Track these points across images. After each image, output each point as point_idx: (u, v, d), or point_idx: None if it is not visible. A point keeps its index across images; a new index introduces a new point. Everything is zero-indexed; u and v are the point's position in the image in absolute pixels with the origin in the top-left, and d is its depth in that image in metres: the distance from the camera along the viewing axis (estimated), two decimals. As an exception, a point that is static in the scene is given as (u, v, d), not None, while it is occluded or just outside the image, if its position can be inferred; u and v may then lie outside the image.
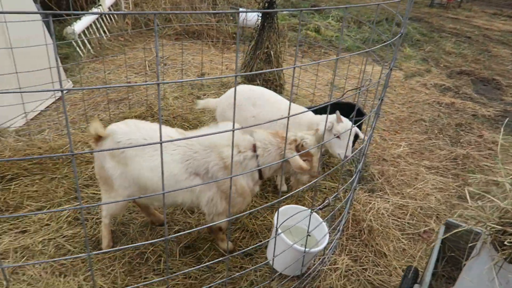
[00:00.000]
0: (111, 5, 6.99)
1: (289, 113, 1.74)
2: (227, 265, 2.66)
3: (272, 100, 3.38)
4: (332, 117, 3.15)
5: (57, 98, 4.71)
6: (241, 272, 2.45)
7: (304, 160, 2.42)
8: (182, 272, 1.91)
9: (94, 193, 3.24)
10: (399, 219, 3.34)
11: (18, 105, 3.88)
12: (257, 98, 3.39)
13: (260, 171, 2.44)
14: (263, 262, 2.59)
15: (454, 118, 5.44)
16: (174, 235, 2.43)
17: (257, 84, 5.25)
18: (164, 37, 7.49)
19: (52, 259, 1.69)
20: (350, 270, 2.75)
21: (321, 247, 2.48)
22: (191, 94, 5.27)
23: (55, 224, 2.87)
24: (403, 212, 3.44)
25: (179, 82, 1.33)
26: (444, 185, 3.90)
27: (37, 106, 4.34)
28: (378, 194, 3.65)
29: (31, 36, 4.09)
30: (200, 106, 3.67)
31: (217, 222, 2.04)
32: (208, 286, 2.44)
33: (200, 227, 1.86)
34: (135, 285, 2.38)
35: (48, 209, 2.99)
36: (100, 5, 6.57)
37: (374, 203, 3.43)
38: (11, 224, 2.84)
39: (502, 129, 5.13)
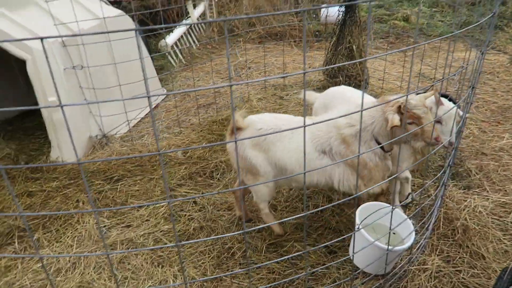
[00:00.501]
0: (199, 16, 7.46)
1: (362, 107, 1.72)
2: (305, 259, 2.69)
3: (355, 101, 3.24)
4: (431, 100, 2.74)
5: (154, 106, 5.21)
6: (322, 267, 2.47)
7: (410, 124, 2.32)
8: (263, 264, 2.01)
9: (186, 192, 3.52)
10: (500, 218, 3.03)
11: (122, 114, 4.37)
12: (342, 99, 3.27)
13: (377, 142, 2.44)
14: (344, 258, 2.57)
15: None
16: (253, 229, 2.54)
17: (340, 80, 5.18)
18: (248, 41, 7.76)
19: (150, 248, 1.91)
20: (441, 271, 2.58)
21: (406, 245, 2.37)
22: (274, 95, 5.39)
23: (153, 220, 3.20)
24: (506, 211, 3.11)
25: (246, 82, 1.41)
26: (559, 181, 3.42)
27: (137, 114, 4.84)
28: (475, 191, 3.35)
29: (132, 52, 4.58)
30: (301, 96, 3.73)
31: (373, 187, 2.41)
32: (290, 279, 2.50)
33: (285, 219, 1.93)
34: (222, 275, 2.55)
35: (147, 206, 3.34)
36: (189, 16, 7.06)
37: (470, 201, 3.16)
38: (118, 219, 3.23)
39: None
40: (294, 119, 2.68)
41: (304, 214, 1.66)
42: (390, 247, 2.27)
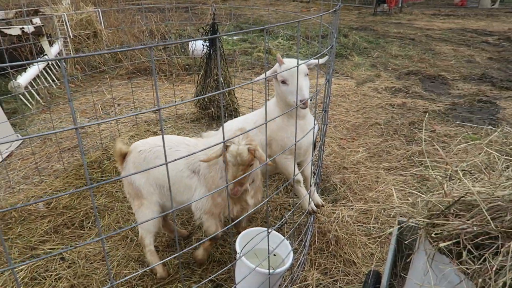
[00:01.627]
0: (58, 54, 6.90)
1: (223, 138, 1.75)
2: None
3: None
4: (276, 66, 2.81)
5: (6, 155, 4.55)
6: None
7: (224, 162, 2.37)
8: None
9: (51, 248, 3.10)
10: (364, 224, 3.38)
11: (-37, 168, 3.71)
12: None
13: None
14: (230, 291, 2.54)
15: (407, 117, 5.63)
16: (129, 276, 2.34)
17: (212, 111, 5.28)
18: (116, 77, 7.44)
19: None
20: (321, 284, 2.73)
21: (287, 265, 2.45)
22: (147, 130, 5.21)
23: (10, 288, 2.72)
24: (367, 217, 3.48)
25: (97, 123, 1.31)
26: (404, 184, 3.99)
27: (-15, 166, 4.17)
28: (342, 203, 3.68)
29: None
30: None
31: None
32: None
33: (166, 259, 1.80)
34: None
35: (2, 273, 2.83)
36: (46, 54, 6.48)
37: (339, 212, 3.45)
38: (-39, 296, 2.66)
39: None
40: (174, 138, 2.74)
41: (178, 253, 1.59)
42: (271, 271, 2.31)
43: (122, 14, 9.22)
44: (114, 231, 3.27)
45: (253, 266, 2.28)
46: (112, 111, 5.83)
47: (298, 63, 1.90)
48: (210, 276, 2.75)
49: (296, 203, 2.90)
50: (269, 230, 2.26)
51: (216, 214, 2.59)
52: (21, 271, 2.86)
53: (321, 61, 2.77)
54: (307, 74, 2.70)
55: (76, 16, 6.57)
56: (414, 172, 4.15)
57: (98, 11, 6.70)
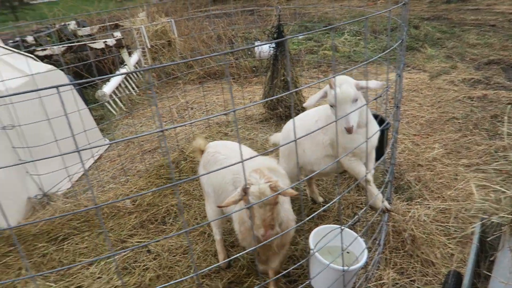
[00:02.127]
0: (136, 64, 7.47)
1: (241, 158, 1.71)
2: (271, 294, 2.67)
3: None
4: (327, 88, 2.73)
5: (96, 158, 5.04)
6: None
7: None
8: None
9: (138, 241, 3.40)
10: (442, 224, 3.23)
11: (62, 170, 4.18)
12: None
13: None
14: (304, 284, 2.59)
15: (489, 110, 5.25)
16: (207, 268, 2.49)
17: (280, 111, 5.37)
18: (188, 83, 7.85)
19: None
20: (397, 283, 2.68)
21: (361, 263, 2.44)
22: (219, 132, 5.45)
23: (106, 276, 3.03)
24: (446, 216, 3.33)
25: (181, 125, 1.44)
26: (487, 181, 3.74)
27: (79, 168, 4.66)
28: (417, 201, 3.55)
29: (66, 105, 4.46)
30: (272, 142, 3.76)
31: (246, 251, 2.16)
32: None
33: (235, 256, 1.91)
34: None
35: (98, 263, 3.17)
36: (126, 65, 7.05)
37: (414, 211, 3.34)
38: (67, 282, 3.03)
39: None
40: (236, 148, 2.83)
41: (253, 248, 1.68)
42: (345, 267, 2.33)
43: (191, 22, 9.70)
44: (193, 227, 3.49)
45: (327, 262, 2.32)
46: (186, 115, 6.18)
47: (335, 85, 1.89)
48: (283, 272, 2.83)
49: (369, 202, 2.87)
50: (342, 228, 2.28)
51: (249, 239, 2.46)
52: (114, 262, 3.18)
53: (373, 85, 2.60)
54: (356, 100, 2.56)
55: (152, 27, 7.06)
56: (498, 168, 3.87)
57: (171, 21, 7.13)
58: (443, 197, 3.60)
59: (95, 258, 3.14)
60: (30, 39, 7.45)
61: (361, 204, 3.58)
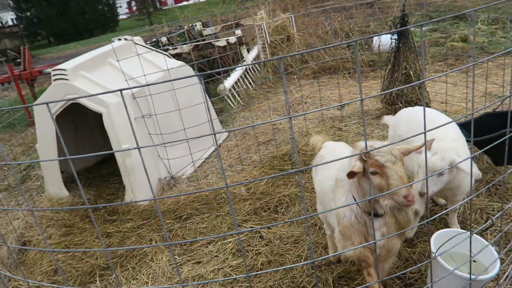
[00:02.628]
0: (254, 59, 7.81)
1: (424, 128, 1.71)
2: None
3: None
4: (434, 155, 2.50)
5: (216, 147, 5.43)
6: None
7: (374, 174, 1.95)
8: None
9: (251, 227, 3.57)
10: None
11: (187, 156, 4.61)
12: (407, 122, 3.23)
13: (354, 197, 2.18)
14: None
15: None
16: (321, 258, 2.49)
17: (399, 107, 5.06)
18: (302, 78, 7.91)
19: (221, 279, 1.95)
20: (536, 303, 2.33)
21: (492, 274, 2.19)
22: (332, 127, 5.39)
23: (222, 255, 3.26)
24: None
25: (303, 114, 1.47)
26: None
27: (201, 155, 5.07)
28: None
29: (194, 98, 4.89)
30: (384, 121, 3.70)
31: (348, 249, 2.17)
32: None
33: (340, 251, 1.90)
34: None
35: (215, 242, 3.42)
36: (244, 60, 7.42)
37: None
38: (189, 256, 3.34)
39: None
40: (339, 151, 2.67)
41: (374, 241, 1.63)
42: (472, 276, 2.11)
43: (308, 17, 9.74)
44: (309, 215, 3.53)
45: (450, 268, 2.13)
46: (300, 109, 6.25)
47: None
48: (397, 273, 2.69)
49: (506, 207, 2.54)
50: (471, 233, 2.07)
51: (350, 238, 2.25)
52: (229, 243, 3.40)
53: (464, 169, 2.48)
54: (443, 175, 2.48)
55: (273, 23, 7.29)
56: None
57: (291, 16, 7.27)
58: None
59: (221, 234, 3.39)
60: (163, 39, 8.35)
61: (493, 210, 3.19)
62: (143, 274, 3.20)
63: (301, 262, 3.04)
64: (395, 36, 4.94)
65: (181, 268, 3.19)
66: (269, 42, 7.14)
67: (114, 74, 4.46)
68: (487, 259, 2.33)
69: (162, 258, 3.31)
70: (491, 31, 8.44)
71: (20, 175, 5.70)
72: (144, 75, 4.31)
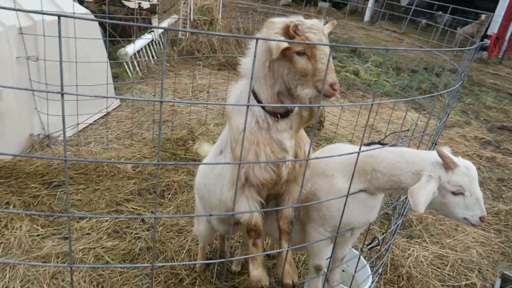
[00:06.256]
0: (162, 33, 7.34)
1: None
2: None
3: None
4: (435, 164, 1.81)
5: (104, 114, 4.91)
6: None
7: (300, 54, 1.57)
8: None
9: (134, 208, 3.29)
10: (438, 269, 3.21)
11: (70, 117, 4.04)
12: None
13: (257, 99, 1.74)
14: None
15: (496, 173, 5.29)
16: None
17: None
18: (208, 66, 7.75)
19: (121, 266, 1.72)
20: (387, 316, 2.64)
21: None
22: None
23: (95, 235, 2.92)
24: (443, 263, 3.31)
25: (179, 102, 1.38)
26: (486, 240, 3.74)
27: (86, 119, 4.52)
28: (417, 241, 3.53)
29: (91, 53, 4.33)
30: None
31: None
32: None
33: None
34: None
35: (90, 219, 3.05)
36: (152, 31, 6.92)
37: (413, 250, 3.32)
38: (54, 230, 2.91)
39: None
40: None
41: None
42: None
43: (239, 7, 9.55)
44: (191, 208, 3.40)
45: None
46: (201, 97, 6.08)
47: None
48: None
49: (389, 229, 2.83)
50: (362, 250, 2.23)
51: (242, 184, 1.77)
52: (106, 222, 3.07)
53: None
54: None
55: (200, 2, 6.95)
56: (499, 229, 3.88)
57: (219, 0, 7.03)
58: (442, 243, 3.58)
59: (96, 215, 3.02)
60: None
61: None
62: (-9, 242, 2.67)
63: (183, 252, 2.90)
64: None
65: (44, 241, 2.75)
66: (191, 20, 6.80)
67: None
68: (361, 275, 2.56)
69: (21, 226, 2.81)
70: (377, 72, 9.55)
71: None
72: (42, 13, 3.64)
